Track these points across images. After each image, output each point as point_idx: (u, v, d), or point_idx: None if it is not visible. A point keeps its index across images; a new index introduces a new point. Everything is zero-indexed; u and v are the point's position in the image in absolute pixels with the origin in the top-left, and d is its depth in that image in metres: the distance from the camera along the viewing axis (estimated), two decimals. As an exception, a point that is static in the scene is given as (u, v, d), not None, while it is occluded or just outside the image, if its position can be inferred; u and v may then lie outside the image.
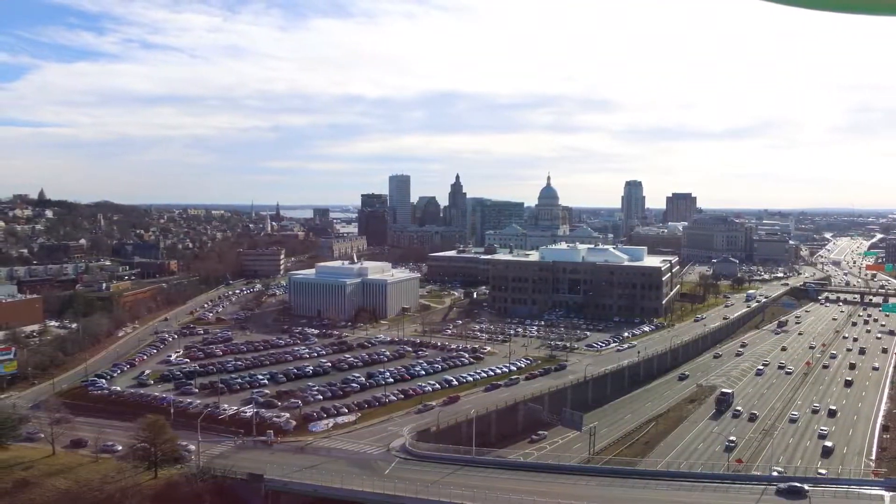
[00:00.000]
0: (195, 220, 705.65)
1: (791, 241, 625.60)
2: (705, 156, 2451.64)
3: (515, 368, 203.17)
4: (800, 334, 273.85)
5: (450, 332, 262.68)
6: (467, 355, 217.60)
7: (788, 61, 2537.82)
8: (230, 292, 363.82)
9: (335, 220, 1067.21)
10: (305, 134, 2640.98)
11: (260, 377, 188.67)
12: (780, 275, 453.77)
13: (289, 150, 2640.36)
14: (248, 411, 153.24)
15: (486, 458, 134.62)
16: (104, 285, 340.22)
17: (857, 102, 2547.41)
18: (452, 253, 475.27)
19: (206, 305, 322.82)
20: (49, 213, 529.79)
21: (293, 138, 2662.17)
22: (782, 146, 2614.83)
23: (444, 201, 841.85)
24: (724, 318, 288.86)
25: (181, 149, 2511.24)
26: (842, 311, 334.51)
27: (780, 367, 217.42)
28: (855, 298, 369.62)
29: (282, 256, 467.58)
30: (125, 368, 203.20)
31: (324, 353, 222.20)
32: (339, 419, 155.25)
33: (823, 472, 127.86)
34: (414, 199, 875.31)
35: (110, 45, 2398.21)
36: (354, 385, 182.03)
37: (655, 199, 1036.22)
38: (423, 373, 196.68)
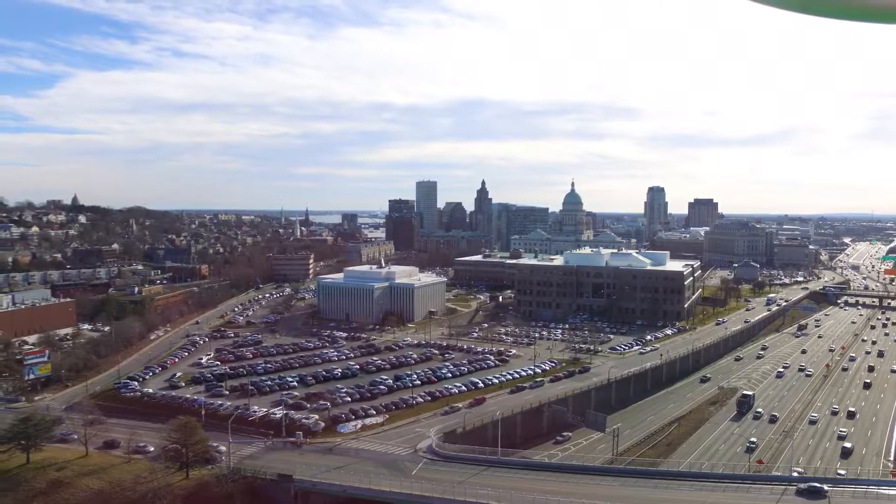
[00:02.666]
0: (226, 225, 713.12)
1: (811, 246, 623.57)
2: (728, 162, 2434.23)
3: (540, 371, 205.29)
4: (819, 337, 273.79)
5: (476, 335, 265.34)
6: (493, 358, 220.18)
7: (810, 70, 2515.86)
8: (260, 296, 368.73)
9: (363, 226, 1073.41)
10: (334, 141, 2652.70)
11: (289, 379, 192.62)
12: (801, 279, 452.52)
13: (318, 156, 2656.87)
14: (278, 413, 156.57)
15: (511, 459, 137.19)
16: (136, 289, 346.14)
17: (876, 110, 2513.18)
18: (478, 257, 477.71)
19: (236, 309, 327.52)
20: (82, 219, 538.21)
21: (322, 145, 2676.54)
22: (803, 153, 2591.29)
23: (470, 207, 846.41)
24: (745, 322, 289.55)
25: (212, 155, 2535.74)
26: (861, 315, 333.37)
27: (801, 370, 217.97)
28: (874, 302, 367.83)
29: (311, 261, 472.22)
30: (157, 371, 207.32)
31: (352, 355, 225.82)
32: (367, 421, 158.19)
33: (843, 472, 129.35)
34: (441, 204, 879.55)
35: (143, 54, 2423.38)
36: (382, 387, 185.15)
37: (678, 205, 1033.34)
38: (450, 375, 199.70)
